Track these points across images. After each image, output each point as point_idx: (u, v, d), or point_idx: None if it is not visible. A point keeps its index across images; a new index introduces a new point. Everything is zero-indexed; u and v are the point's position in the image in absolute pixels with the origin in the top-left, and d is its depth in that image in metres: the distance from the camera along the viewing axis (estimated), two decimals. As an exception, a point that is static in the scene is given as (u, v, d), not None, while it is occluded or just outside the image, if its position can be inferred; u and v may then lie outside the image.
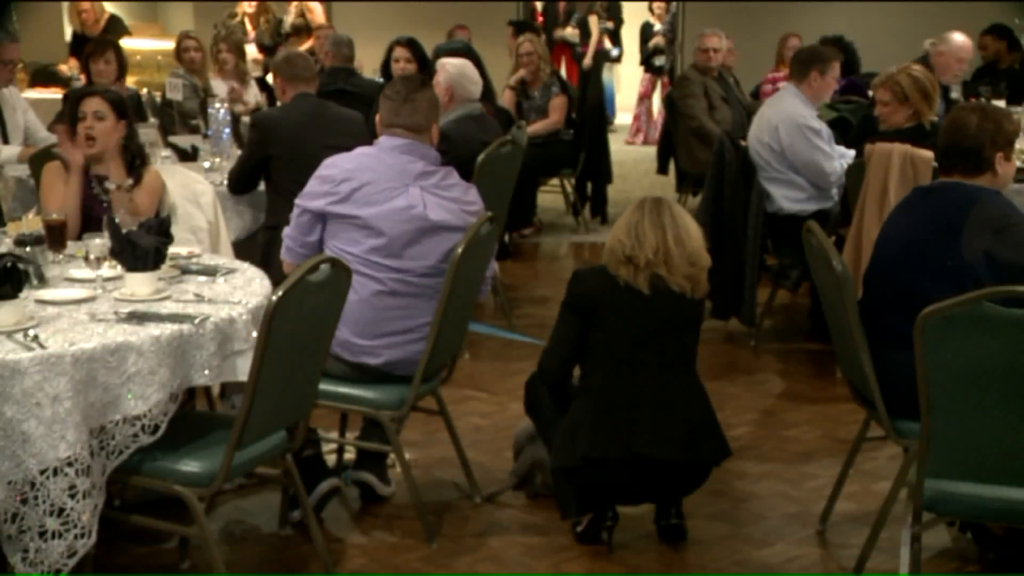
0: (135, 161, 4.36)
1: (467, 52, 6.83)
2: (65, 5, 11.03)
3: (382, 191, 3.84)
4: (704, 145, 7.67)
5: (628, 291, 3.63)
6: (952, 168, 3.64)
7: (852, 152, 5.78)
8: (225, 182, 5.34)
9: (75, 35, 9.75)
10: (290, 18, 10.74)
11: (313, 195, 3.89)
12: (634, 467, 3.63)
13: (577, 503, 3.76)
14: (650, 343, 3.66)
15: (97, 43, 7.07)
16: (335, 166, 3.90)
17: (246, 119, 6.31)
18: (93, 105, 4.27)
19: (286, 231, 3.99)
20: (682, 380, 3.72)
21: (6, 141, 5.94)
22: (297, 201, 3.95)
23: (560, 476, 3.75)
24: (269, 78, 7.56)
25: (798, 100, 5.84)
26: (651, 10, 13.43)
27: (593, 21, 13.04)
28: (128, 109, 4.40)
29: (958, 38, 6.68)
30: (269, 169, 5.18)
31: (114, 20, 9.68)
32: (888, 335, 3.51)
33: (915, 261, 3.56)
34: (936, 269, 3.49)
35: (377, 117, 4.04)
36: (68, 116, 4.41)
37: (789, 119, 5.76)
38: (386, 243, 3.83)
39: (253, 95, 7.56)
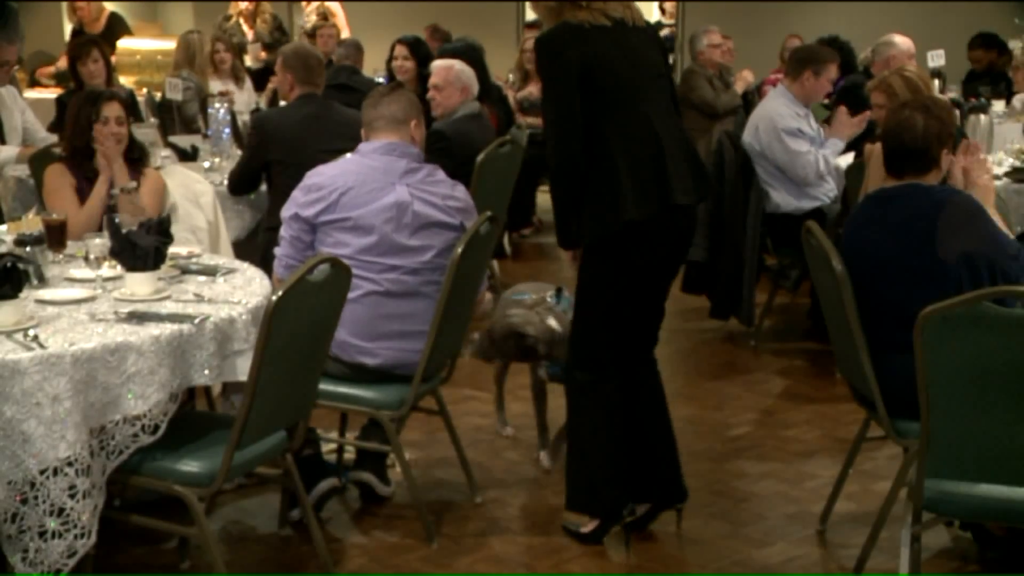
0: (138, 162, 4.36)
1: (471, 51, 6.84)
2: (64, 4, 11.01)
3: (369, 192, 3.83)
4: (714, 122, 7.77)
5: (599, 31, 3.61)
6: (903, 170, 3.62)
7: (839, 142, 5.77)
8: (225, 182, 5.33)
9: (75, 32, 9.71)
10: (311, 19, 10.71)
11: (302, 205, 3.86)
12: (670, 229, 3.65)
13: (598, 502, 3.76)
14: (645, 86, 3.66)
15: (79, 45, 6.85)
16: (319, 175, 3.89)
17: (245, 118, 6.31)
18: (115, 110, 4.27)
19: (279, 251, 3.94)
20: (678, 123, 3.77)
21: (3, 141, 5.93)
22: (285, 213, 3.91)
23: (579, 463, 3.76)
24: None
25: (782, 100, 5.86)
26: (662, 10, 13.47)
27: None
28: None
29: (899, 38, 6.70)
30: (270, 171, 5.17)
31: (115, 18, 9.60)
32: (884, 342, 3.50)
33: (894, 275, 3.53)
34: (917, 279, 3.48)
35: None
36: (85, 119, 4.28)
37: (768, 119, 5.80)
38: (376, 241, 3.83)
39: (252, 95, 7.56)
